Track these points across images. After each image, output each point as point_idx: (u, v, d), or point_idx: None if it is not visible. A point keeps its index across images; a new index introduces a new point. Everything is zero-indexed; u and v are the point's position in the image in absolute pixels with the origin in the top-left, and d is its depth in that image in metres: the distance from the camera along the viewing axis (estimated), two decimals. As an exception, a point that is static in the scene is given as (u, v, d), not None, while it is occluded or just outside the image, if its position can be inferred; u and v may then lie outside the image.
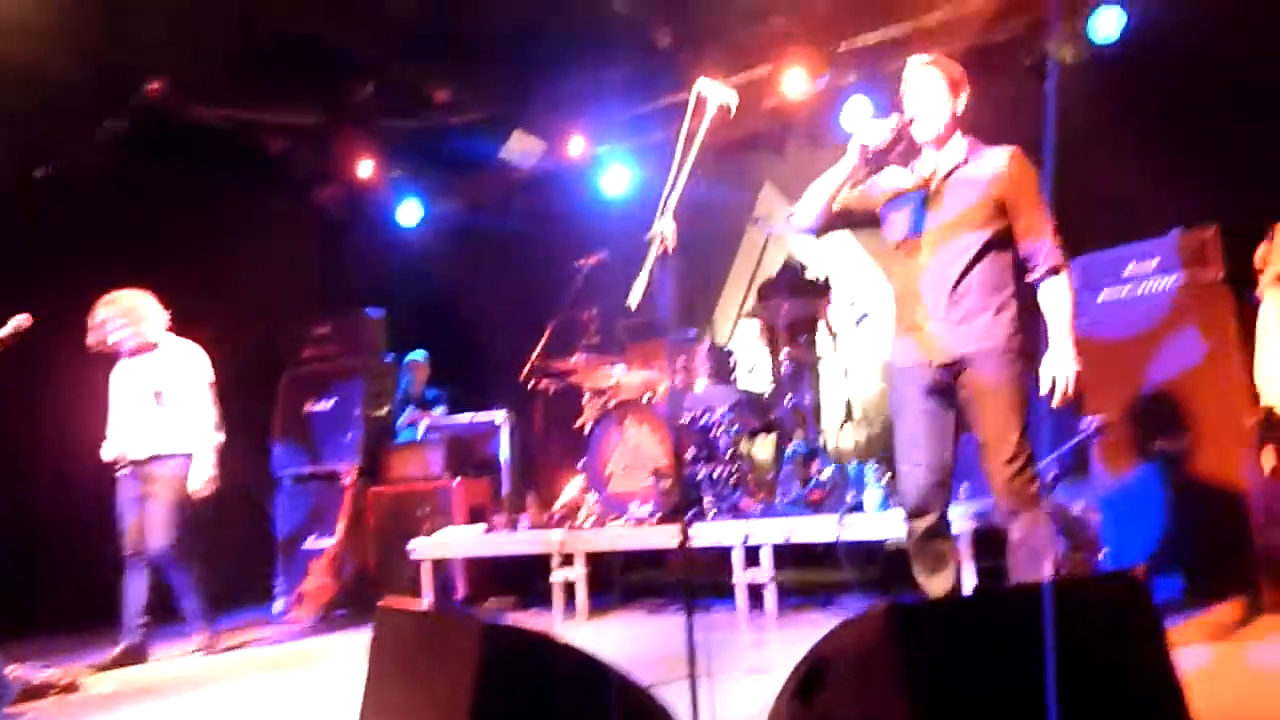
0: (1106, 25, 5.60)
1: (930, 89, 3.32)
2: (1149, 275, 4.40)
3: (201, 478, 4.93)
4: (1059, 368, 3.12)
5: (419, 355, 7.45)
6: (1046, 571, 3.02)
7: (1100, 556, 4.57)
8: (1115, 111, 5.67)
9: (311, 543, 6.60)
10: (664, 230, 2.58)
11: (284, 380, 6.99)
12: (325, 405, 6.80)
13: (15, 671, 3.98)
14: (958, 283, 3.20)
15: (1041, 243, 3.16)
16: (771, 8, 6.11)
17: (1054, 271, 3.16)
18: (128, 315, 4.98)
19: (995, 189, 3.22)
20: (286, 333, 7.08)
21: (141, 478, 4.92)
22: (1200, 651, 3.18)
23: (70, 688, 4.18)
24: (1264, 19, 4.90)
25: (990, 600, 2.01)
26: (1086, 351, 4.47)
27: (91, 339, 4.97)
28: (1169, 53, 5.37)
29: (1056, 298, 3.17)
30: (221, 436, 5.08)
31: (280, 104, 6.63)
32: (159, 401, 4.97)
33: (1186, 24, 5.27)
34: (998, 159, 3.28)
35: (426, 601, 5.69)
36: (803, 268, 6.64)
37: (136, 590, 4.88)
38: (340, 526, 6.22)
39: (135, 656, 4.81)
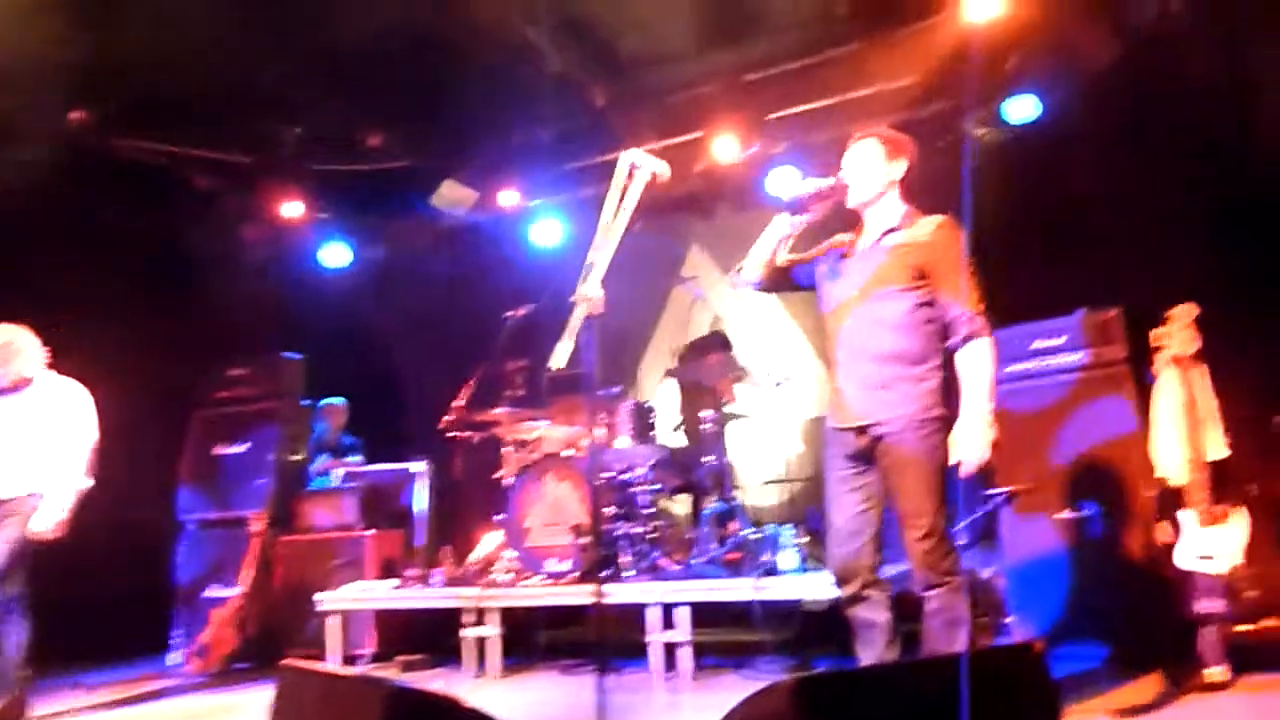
0: (1021, 110, 5.88)
1: (864, 156, 3.41)
2: (1056, 351, 4.60)
3: (49, 520, 4.66)
4: (969, 439, 3.09)
5: (337, 401, 7.31)
6: (961, 643, 3.03)
7: (1006, 622, 4.68)
8: (1027, 193, 5.95)
9: (214, 591, 6.36)
10: (590, 295, 2.60)
11: (195, 421, 6.78)
12: (237, 449, 6.62)
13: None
14: (881, 348, 3.24)
15: (961, 310, 3.17)
16: (705, 75, 6.27)
17: (970, 338, 3.16)
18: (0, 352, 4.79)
19: (918, 256, 3.26)
20: (201, 373, 6.89)
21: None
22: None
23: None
24: (1168, 116, 5.22)
25: (894, 672, 2.04)
26: (997, 423, 4.69)
27: None
28: (1079, 142, 5.65)
29: (973, 365, 3.15)
30: (88, 482, 4.85)
31: (209, 141, 6.53)
32: (27, 440, 4.75)
33: (1096, 116, 5.57)
34: (925, 227, 3.33)
35: (333, 657, 5.52)
36: (726, 329, 6.74)
37: (9, 638, 4.58)
38: (246, 575, 6.01)
39: (14, 711, 4.54)
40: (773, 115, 6.41)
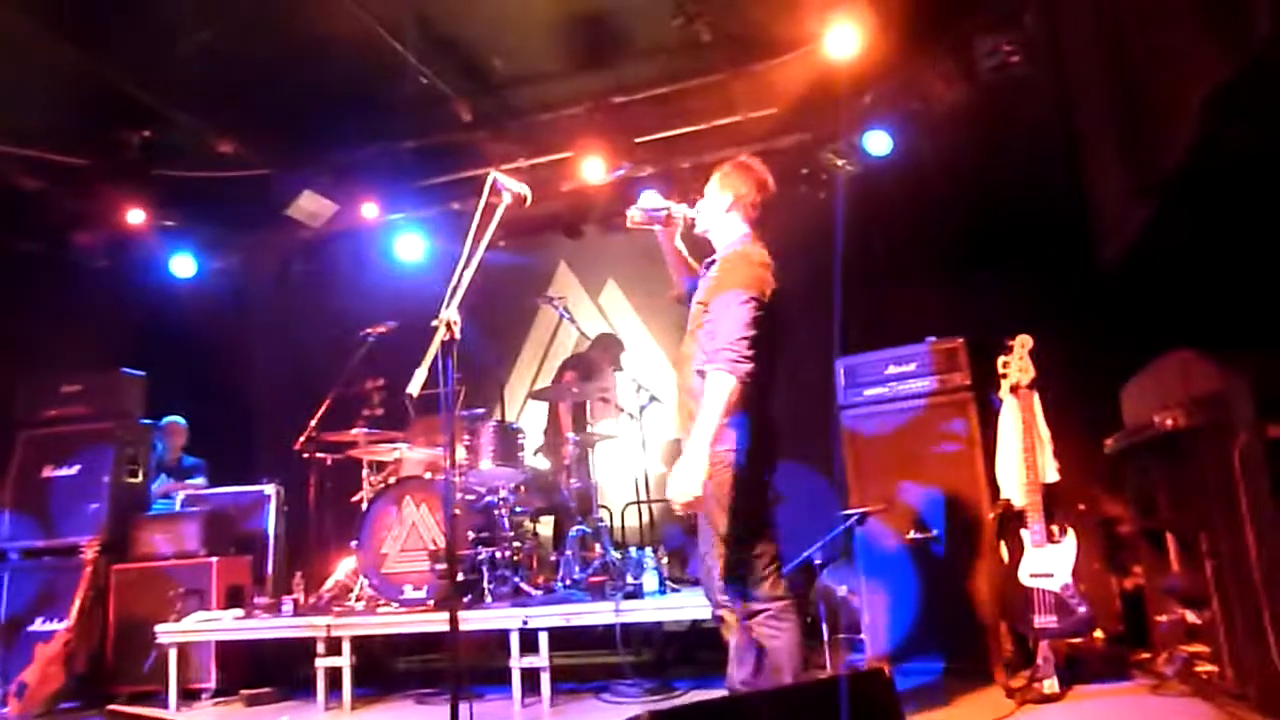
0: (877, 144, 6.13)
1: (707, 190, 3.47)
2: (907, 378, 4.80)
3: None
4: (674, 478, 2.95)
5: (177, 419, 6.92)
6: (783, 675, 2.95)
7: (860, 638, 4.82)
8: (878, 223, 6.21)
9: (39, 625, 5.88)
10: (450, 319, 2.54)
11: (20, 441, 6.27)
12: (68, 471, 6.15)
13: None
14: (688, 382, 3.23)
15: (713, 342, 3.09)
16: (573, 96, 6.28)
17: (703, 371, 3.06)
18: None
19: (707, 289, 3.27)
20: (28, 389, 6.38)
21: None
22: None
23: None
24: (1008, 157, 5.54)
25: (749, 701, 2.06)
26: (851, 446, 4.86)
27: None
28: (930, 178, 5.94)
29: (703, 399, 3.00)
30: None
31: (42, 141, 6.09)
32: None
33: (944, 156, 5.86)
34: (722, 258, 3.33)
35: (171, 693, 5.19)
36: (591, 350, 6.74)
37: None
38: (75, 607, 5.58)
39: None
40: (639, 139, 6.47)
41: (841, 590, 5.39)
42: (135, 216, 6.76)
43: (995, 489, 4.37)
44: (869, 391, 4.91)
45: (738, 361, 2.98)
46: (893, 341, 4.94)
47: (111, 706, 2.43)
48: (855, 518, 4.74)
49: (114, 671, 5.65)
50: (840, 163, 6.36)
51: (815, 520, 6.23)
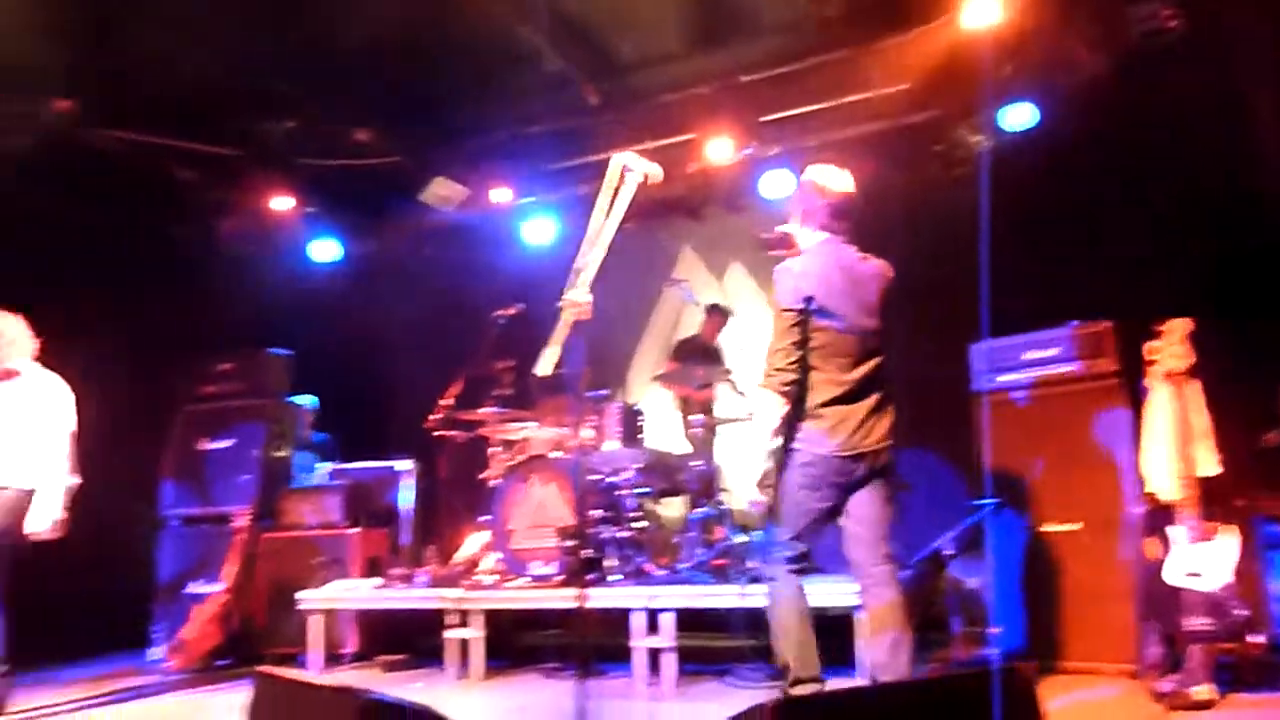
0: (1018, 118, 5.85)
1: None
2: (1047, 363, 4.58)
3: (48, 519, 4.60)
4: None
5: (305, 401, 7.28)
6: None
7: (992, 632, 4.66)
8: (1023, 201, 5.92)
9: (196, 588, 6.30)
10: (578, 300, 2.56)
11: (180, 417, 6.72)
12: (222, 445, 6.55)
13: None
14: None
15: None
16: (699, 77, 6.23)
17: None
18: None
19: None
20: (186, 368, 6.83)
21: None
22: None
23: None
24: (1164, 127, 5.21)
25: (879, 695, 2.01)
26: (986, 434, 4.67)
27: None
28: (1075, 151, 5.64)
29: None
30: (76, 480, 4.79)
31: (195, 133, 6.46)
32: (10, 433, 4.63)
33: (1091, 125, 5.55)
34: None
35: (315, 656, 5.47)
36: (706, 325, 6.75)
37: None
38: (229, 572, 5.95)
39: None
40: (766, 118, 6.37)
41: (972, 582, 5.22)
42: (280, 204, 7.09)
43: (1142, 481, 4.14)
44: (1006, 377, 4.71)
45: (771, 375, 3.33)
46: (1033, 326, 4.71)
47: (260, 669, 2.56)
48: (989, 507, 4.57)
49: (263, 633, 6.02)
50: (976, 138, 6.10)
51: (945, 510, 6.06)
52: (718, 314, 6.88)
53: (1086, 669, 4.25)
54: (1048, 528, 4.47)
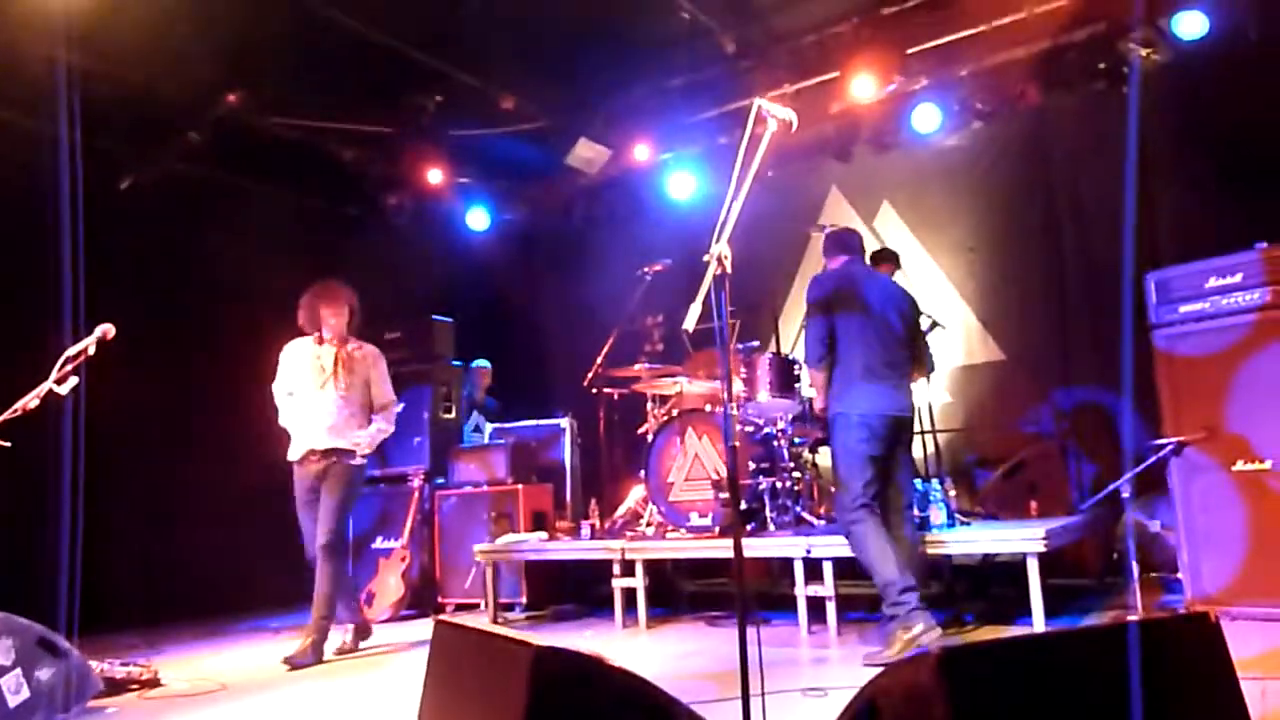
0: (1189, 27, 5.39)
1: None
2: (1232, 290, 4.23)
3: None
4: None
5: (483, 363, 7.55)
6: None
7: (1176, 578, 4.42)
8: (1194, 120, 5.48)
9: (380, 543, 6.74)
10: (720, 253, 2.56)
11: (355, 384, 7.14)
12: (396, 408, 6.93)
13: (99, 666, 4.14)
14: None
15: None
16: (839, 13, 6.03)
17: None
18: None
19: None
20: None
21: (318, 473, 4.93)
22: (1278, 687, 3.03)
23: (151, 683, 4.33)
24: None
25: (1052, 642, 1.95)
26: (1166, 368, 4.38)
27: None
28: (1254, 60, 5.15)
29: None
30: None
31: (350, 114, 6.78)
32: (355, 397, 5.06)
33: (1272, 31, 5.05)
34: None
35: (488, 606, 5.77)
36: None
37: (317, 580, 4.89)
38: (407, 528, 6.34)
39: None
40: (912, 50, 6.11)
41: (1154, 526, 4.96)
42: (434, 176, 7.37)
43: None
44: (1186, 308, 4.37)
45: (808, 361, 4.38)
46: (1215, 252, 4.36)
47: (439, 618, 2.73)
48: (1170, 447, 4.30)
49: (441, 585, 6.40)
50: (1145, 52, 5.65)
51: (1121, 450, 5.75)
52: (886, 260, 6.58)
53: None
54: (1237, 467, 4.17)
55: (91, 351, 4.09)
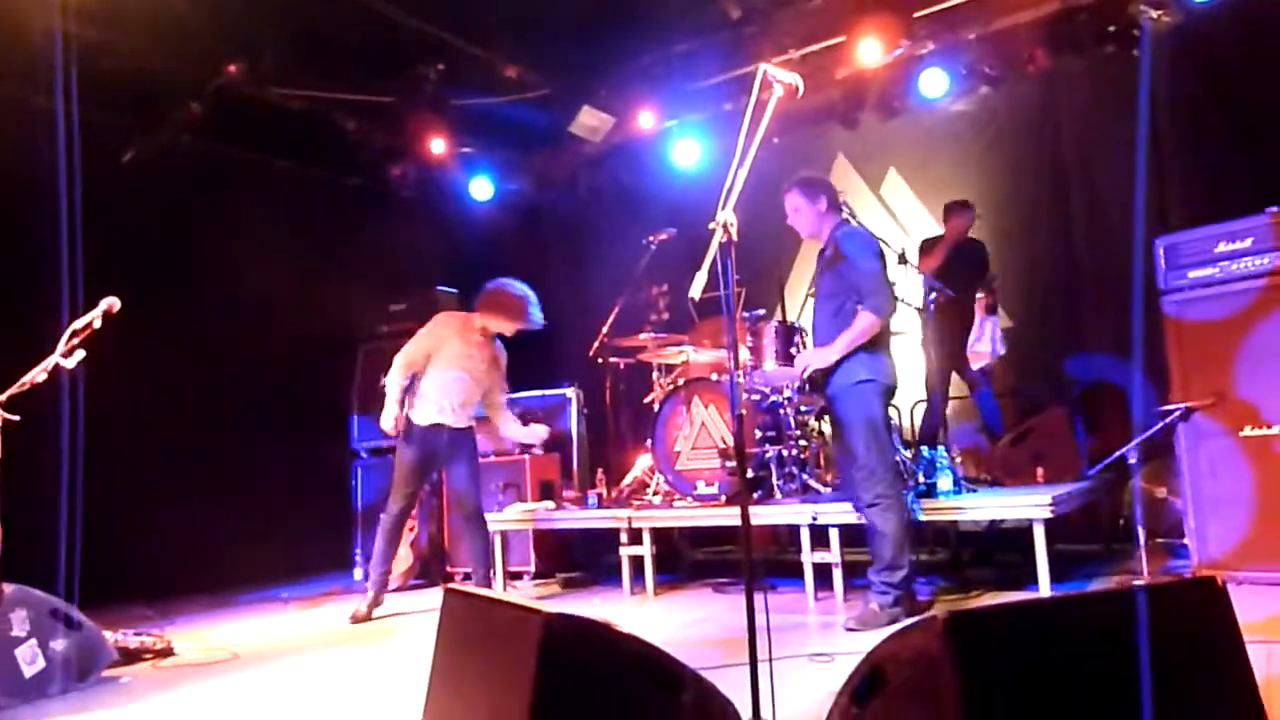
0: (1202, -14, 5.31)
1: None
2: (1241, 255, 4.20)
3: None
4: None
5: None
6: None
7: (1182, 544, 4.43)
8: (1204, 83, 5.41)
9: (389, 513, 6.77)
10: (726, 221, 2.54)
11: (361, 356, 7.15)
12: (400, 379, 6.93)
13: (113, 637, 4.18)
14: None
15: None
16: (846, -25, 5.95)
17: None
18: None
19: None
20: (363, 309, 7.23)
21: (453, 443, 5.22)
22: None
23: (165, 652, 4.37)
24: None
25: (1059, 607, 1.96)
26: (1174, 334, 4.35)
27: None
28: (1261, 23, 5.07)
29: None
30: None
31: (352, 84, 6.72)
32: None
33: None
34: None
35: (497, 576, 5.80)
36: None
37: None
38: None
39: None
40: (919, 13, 6.03)
41: (1161, 492, 4.96)
42: (437, 146, 7.32)
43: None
44: (1195, 273, 4.34)
45: (881, 311, 4.11)
46: (1225, 216, 4.32)
47: (449, 586, 2.74)
48: (1178, 413, 4.30)
49: (449, 554, 6.43)
50: (1156, 14, 5.56)
51: (1128, 416, 5.73)
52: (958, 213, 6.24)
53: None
54: (1245, 432, 4.16)
55: (98, 325, 4.09)
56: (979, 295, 6.11)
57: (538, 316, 5.30)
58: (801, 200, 4.26)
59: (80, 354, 3.96)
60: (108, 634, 4.11)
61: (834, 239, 4.21)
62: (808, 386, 4.36)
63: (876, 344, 4.09)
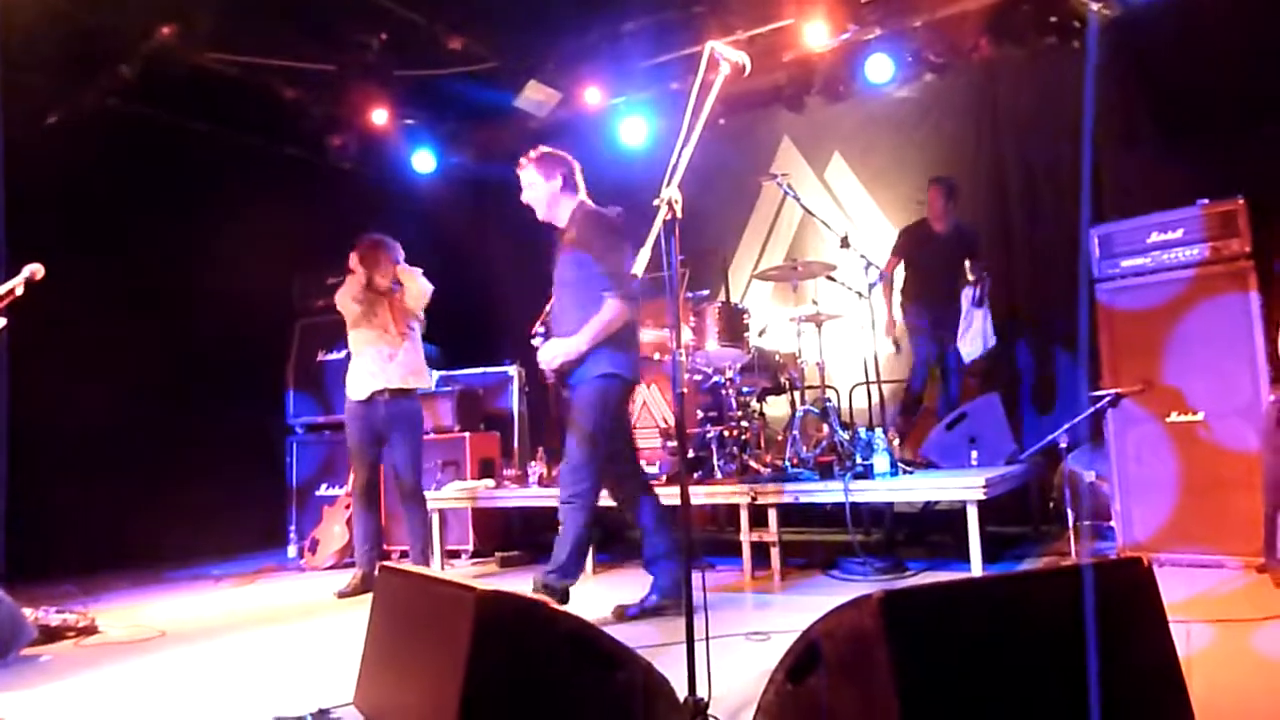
0: (1140, -19, 5.42)
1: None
2: (1173, 246, 4.31)
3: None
4: None
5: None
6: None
7: (1109, 525, 4.55)
8: (1140, 76, 5.52)
9: (324, 490, 6.68)
10: (671, 198, 2.52)
11: (297, 330, 7.01)
12: (338, 355, 6.82)
13: (34, 614, 4.05)
14: None
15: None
16: (795, -42, 5.95)
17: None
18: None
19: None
20: (299, 283, 7.08)
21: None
22: (1203, 631, 3.15)
23: (88, 630, 4.25)
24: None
25: (989, 587, 1.99)
26: (1106, 322, 4.46)
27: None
28: (1196, 18, 5.20)
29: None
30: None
31: (292, 52, 6.54)
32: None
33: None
34: None
35: (434, 554, 5.75)
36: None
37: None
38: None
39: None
40: (865, -1, 6.07)
41: (1089, 476, 5.09)
42: (379, 117, 7.17)
43: (1276, 369, 3.91)
44: (1128, 262, 4.45)
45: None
46: (1158, 207, 4.43)
47: (384, 564, 2.70)
48: (1107, 399, 4.41)
49: (386, 531, 6.34)
50: (1095, 7, 5.67)
51: (1060, 401, 5.87)
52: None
53: (1210, 562, 4.12)
54: (1171, 419, 4.28)
55: (20, 293, 3.94)
56: (970, 279, 6.02)
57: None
58: (536, 176, 4.07)
59: (1, 321, 3.81)
60: (28, 611, 3.98)
61: (574, 221, 4.05)
62: (555, 379, 4.12)
63: (621, 335, 3.91)
